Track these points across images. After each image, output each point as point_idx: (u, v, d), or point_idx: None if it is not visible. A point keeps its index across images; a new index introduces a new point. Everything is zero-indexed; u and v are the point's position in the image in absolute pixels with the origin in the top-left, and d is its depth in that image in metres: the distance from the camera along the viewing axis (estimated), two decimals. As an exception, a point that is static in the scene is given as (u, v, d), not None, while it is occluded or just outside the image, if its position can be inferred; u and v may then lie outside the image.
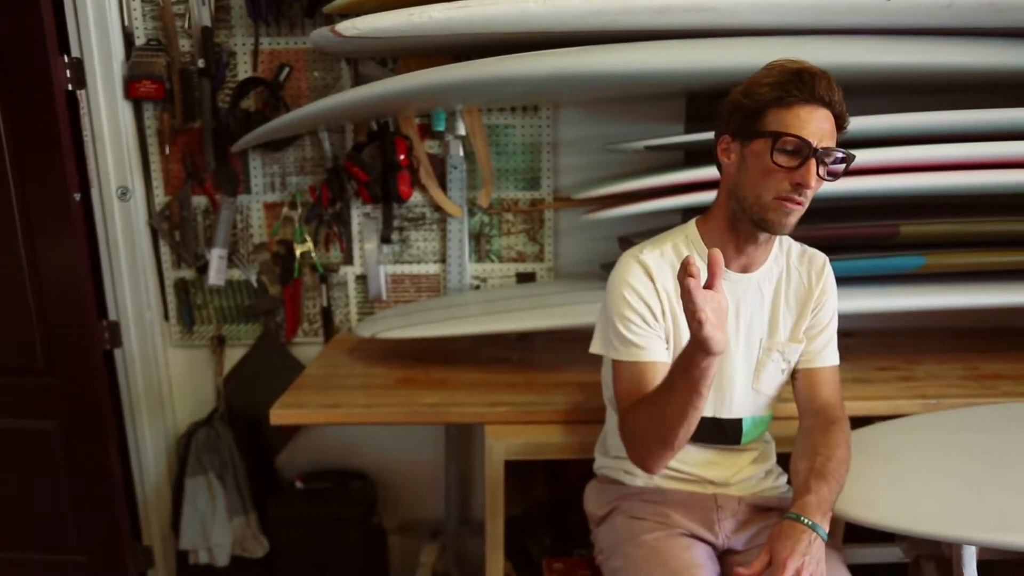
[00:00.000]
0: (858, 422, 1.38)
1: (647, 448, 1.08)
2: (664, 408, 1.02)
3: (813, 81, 0.99)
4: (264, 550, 2.05)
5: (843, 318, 1.42)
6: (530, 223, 2.03)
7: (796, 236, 1.43)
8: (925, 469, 1.17)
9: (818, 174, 1.01)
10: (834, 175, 1.06)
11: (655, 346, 1.13)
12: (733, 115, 1.07)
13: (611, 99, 1.95)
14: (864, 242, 1.56)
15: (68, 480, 2.05)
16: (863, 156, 1.45)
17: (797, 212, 1.05)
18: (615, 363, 1.15)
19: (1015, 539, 0.95)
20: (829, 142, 1.02)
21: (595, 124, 1.97)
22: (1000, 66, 1.43)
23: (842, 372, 1.61)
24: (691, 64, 1.45)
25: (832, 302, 1.22)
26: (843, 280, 1.56)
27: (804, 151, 1.00)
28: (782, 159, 1.01)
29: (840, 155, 1.04)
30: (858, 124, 1.44)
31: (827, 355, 1.22)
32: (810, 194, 1.03)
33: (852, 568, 1.49)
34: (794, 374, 1.23)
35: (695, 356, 0.94)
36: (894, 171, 1.47)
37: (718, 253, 0.91)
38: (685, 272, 0.86)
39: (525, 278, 2.06)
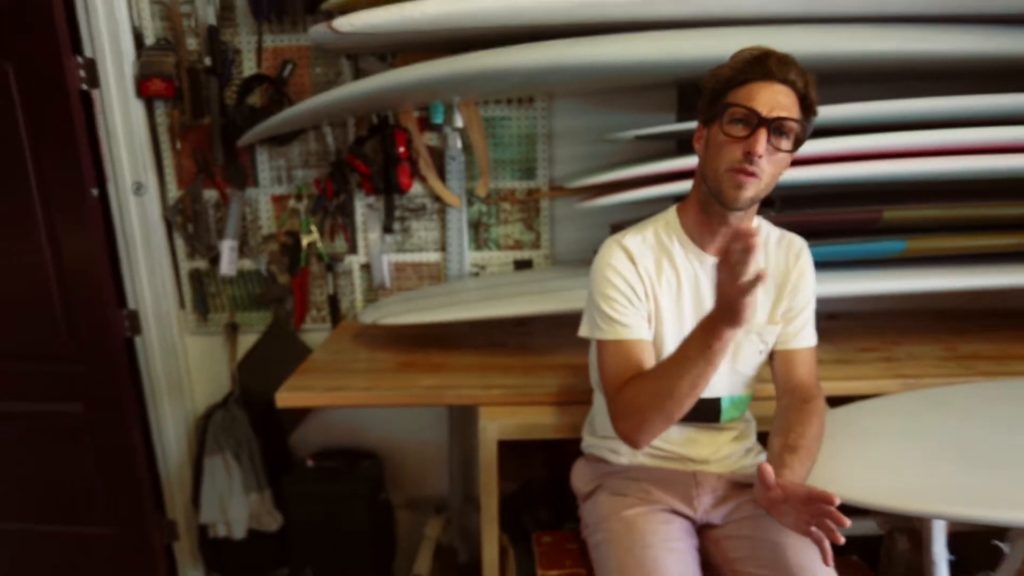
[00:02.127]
0: (840, 401, 1.38)
1: (645, 422, 1.06)
2: (673, 382, 1.01)
3: (767, 59, 1.00)
4: (278, 524, 2.09)
5: (828, 301, 1.41)
6: (527, 212, 2.03)
7: (781, 221, 1.43)
8: (899, 447, 1.17)
9: (771, 143, 1.00)
10: (793, 139, 1.03)
11: (639, 324, 1.13)
12: (701, 103, 1.08)
13: (605, 90, 1.93)
14: (848, 227, 1.55)
15: (95, 459, 2.10)
16: (846, 143, 1.44)
17: (751, 184, 1.02)
18: (600, 343, 1.16)
19: (982, 514, 0.96)
20: (783, 113, 1.00)
21: (589, 115, 1.96)
22: (985, 52, 1.40)
23: (825, 353, 1.62)
24: (678, 54, 1.44)
25: (809, 285, 1.21)
26: (827, 264, 1.56)
27: (752, 120, 1.00)
28: (732, 129, 1.01)
29: (792, 122, 1.01)
30: (843, 111, 1.44)
31: (804, 337, 1.21)
32: (765, 166, 1.01)
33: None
34: (772, 355, 1.23)
35: (718, 327, 0.93)
36: (878, 157, 1.45)
37: (749, 226, 0.88)
38: (743, 237, 0.85)
39: (522, 265, 2.07)
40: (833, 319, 1.91)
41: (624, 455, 1.24)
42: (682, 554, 1.09)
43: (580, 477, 1.33)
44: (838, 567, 1.19)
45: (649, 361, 1.12)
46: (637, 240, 1.17)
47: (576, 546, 1.29)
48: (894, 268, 1.54)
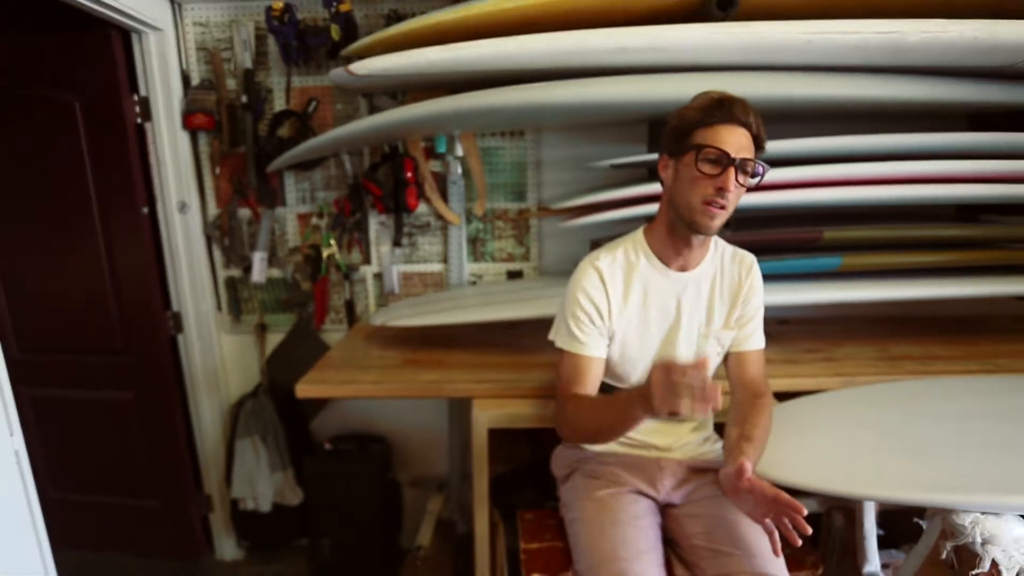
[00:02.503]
0: (786, 396, 1.37)
1: (575, 436, 1.17)
2: (599, 426, 1.08)
3: (731, 106, 1.00)
4: (299, 499, 2.07)
5: (776, 308, 1.38)
6: (518, 229, 2.02)
7: (735, 239, 1.41)
8: (835, 436, 1.15)
9: (737, 180, 1.00)
10: (754, 179, 1.04)
11: (596, 344, 1.14)
12: (668, 137, 1.06)
13: (585, 125, 1.93)
14: (792, 245, 1.53)
15: (144, 440, 2.09)
16: (792, 172, 1.43)
17: (721, 215, 1.04)
18: (562, 350, 1.16)
19: (901, 495, 0.94)
20: (747, 155, 1.01)
21: (572, 146, 1.96)
22: (906, 98, 1.39)
23: (775, 354, 1.60)
24: (644, 95, 1.43)
25: (758, 295, 1.20)
26: (774, 277, 1.54)
27: (724, 160, 0.99)
28: (706, 167, 1.00)
29: (756, 164, 1.03)
30: (788, 146, 1.43)
31: (754, 340, 1.20)
32: (732, 198, 1.02)
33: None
34: (726, 356, 1.22)
35: (637, 412, 0.96)
36: (819, 185, 1.44)
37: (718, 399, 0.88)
38: (707, 399, 0.86)
39: (514, 275, 2.05)
40: (784, 324, 1.89)
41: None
42: (645, 530, 1.07)
43: (558, 462, 1.31)
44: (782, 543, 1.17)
45: (597, 374, 1.15)
46: (608, 260, 1.16)
47: (554, 522, 1.26)
48: (832, 281, 1.52)
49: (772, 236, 1.52)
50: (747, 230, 1.54)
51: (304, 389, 1.46)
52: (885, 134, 1.38)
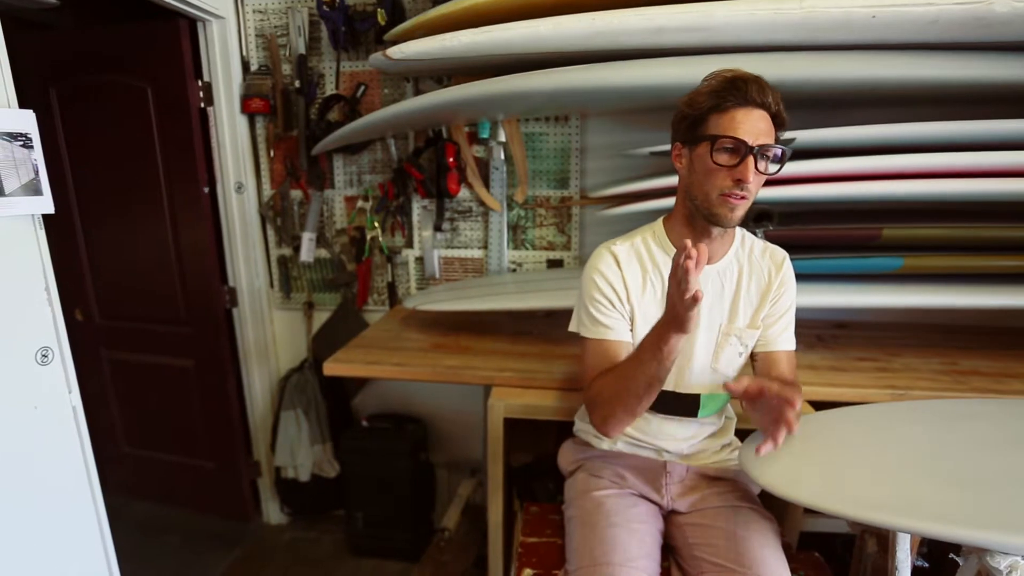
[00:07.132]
0: (824, 407, 1.27)
1: (610, 415, 1.05)
2: (630, 381, 0.99)
3: (746, 86, 0.93)
4: (336, 472, 2.18)
5: (831, 311, 1.28)
6: (559, 217, 2.00)
7: (783, 235, 1.32)
8: (868, 455, 1.06)
9: (757, 169, 0.95)
10: (778, 163, 0.97)
11: (620, 327, 1.10)
12: (680, 124, 1.02)
13: (631, 110, 1.86)
14: (849, 243, 1.42)
15: (202, 405, 2.27)
16: (849, 163, 1.32)
17: (742, 206, 0.99)
18: (584, 339, 1.13)
19: (936, 529, 0.85)
20: (766, 139, 0.95)
21: (617, 132, 1.90)
22: (986, 79, 1.24)
23: (823, 360, 1.50)
24: (684, 79, 1.36)
25: (790, 294, 1.13)
26: (826, 277, 1.44)
27: (741, 149, 0.94)
28: (722, 158, 0.95)
29: (777, 150, 0.96)
30: (845, 133, 1.32)
31: (784, 340, 1.13)
32: (752, 188, 0.97)
33: (810, 535, 1.40)
34: (754, 356, 1.15)
35: (666, 334, 0.92)
36: (879, 178, 1.32)
37: (704, 248, 0.85)
38: (684, 254, 0.84)
39: (554, 264, 2.04)
40: (842, 327, 1.75)
41: (605, 441, 1.20)
42: (643, 535, 1.04)
43: (565, 457, 1.30)
44: (799, 561, 1.11)
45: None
46: (626, 247, 1.12)
47: (558, 518, 1.26)
48: (892, 283, 1.39)
49: (825, 232, 1.41)
50: (797, 225, 1.44)
51: (331, 367, 1.53)
52: (956, 121, 1.24)
